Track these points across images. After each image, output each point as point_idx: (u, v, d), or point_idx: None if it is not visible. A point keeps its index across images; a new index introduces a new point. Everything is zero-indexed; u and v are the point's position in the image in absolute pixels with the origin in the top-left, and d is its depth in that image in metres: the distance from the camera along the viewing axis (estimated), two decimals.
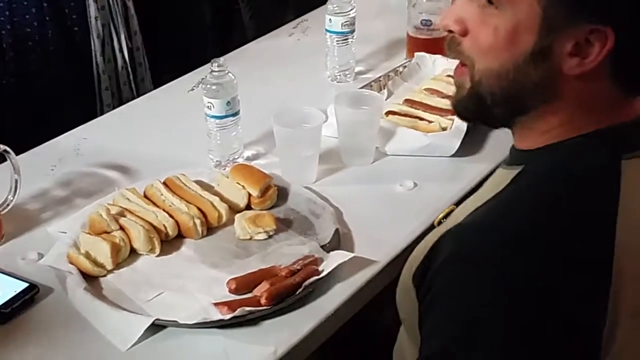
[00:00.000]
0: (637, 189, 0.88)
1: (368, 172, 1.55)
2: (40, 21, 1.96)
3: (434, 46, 1.86)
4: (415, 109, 1.68)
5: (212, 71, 1.52)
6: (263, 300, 1.19)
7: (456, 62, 0.97)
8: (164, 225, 1.35)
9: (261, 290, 1.22)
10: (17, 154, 1.43)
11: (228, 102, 1.52)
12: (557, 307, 0.81)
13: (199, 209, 1.38)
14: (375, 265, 1.30)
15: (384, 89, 1.79)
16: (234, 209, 1.42)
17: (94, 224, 1.33)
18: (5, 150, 1.40)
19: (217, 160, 1.57)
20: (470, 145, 1.58)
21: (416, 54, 1.89)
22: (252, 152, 1.61)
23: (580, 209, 0.86)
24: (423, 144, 1.57)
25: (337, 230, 1.36)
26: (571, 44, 0.86)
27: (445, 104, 1.62)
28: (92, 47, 2.02)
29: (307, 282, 1.22)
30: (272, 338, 1.16)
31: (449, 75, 1.72)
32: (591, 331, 0.82)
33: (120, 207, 1.39)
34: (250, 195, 1.43)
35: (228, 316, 1.16)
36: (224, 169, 1.55)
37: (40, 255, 1.32)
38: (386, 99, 1.73)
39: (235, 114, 1.54)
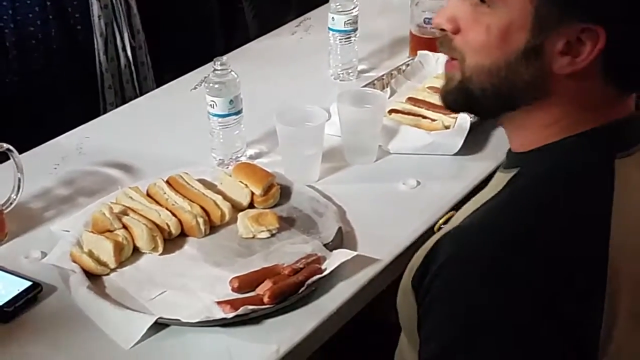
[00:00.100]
0: (630, 188, 0.88)
1: (371, 171, 1.55)
2: (44, 20, 1.96)
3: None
4: (418, 107, 1.68)
5: (215, 70, 1.52)
6: (266, 299, 1.19)
7: None
8: (167, 224, 1.35)
9: (264, 288, 1.22)
10: (20, 152, 1.43)
11: (231, 100, 1.52)
12: (554, 308, 0.81)
13: (201, 207, 1.38)
14: (378, 264, 1.30)
15: (387, 87, 1.79)
16: (236, 208, 1.42)
17: (97, 223, 1.34)
18: (8, 149, 1.41)
19: (220, 159, 1.57)
20: (473, 143, 1.58)
21: (419, 52, 1.89)
22: (255, 150, 1.61)
23: (576, 210, 0.86)
24: (426, 143, 1.57)
25: (339, 228, 1.36)
26: (562, 43, 0.86)
27: None
28: (95, 46, 2.02)
29: (309, 281, 1.22)
30: (274, 337, 1.16)
31: None
32: (588, 332, 0.82)
33: (123, 205, 1.39)
34: (253, 193, 1.43)
35: (231, 315, 1.16)
36: (227, 167, 1.55)
37: (44, 254, 1.32)
38: (389, 98, 1.72)
39: (238, 112, 1.54)
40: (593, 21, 0.84)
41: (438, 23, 0.94)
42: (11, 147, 1.41)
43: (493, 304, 0.82)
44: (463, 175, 1.51)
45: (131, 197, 1.41)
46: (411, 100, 1.71)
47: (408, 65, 1.87)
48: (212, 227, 1.39)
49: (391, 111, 1.66)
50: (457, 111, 1.01)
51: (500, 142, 1.56)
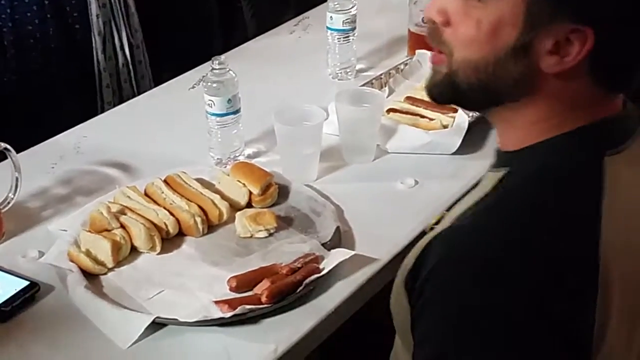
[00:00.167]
0: (620, 186, 0.88)
1: (369, 170, 1.55)
2: (42, 19, 1.96)
3: None
4: (417, 106, 1.68)
5: (213, 69, 1.52)
6: (264, 299, 1.19)
7: None
8: (165, 223, 1.35)
9: (262, 288, 1.22)
10: (17, 151, 1.43)
11: (229, 99, 1.52)
12: (547, 308, 0.81)
13: (199, 206, 1.38)
14: (376, 263, 1.30)
15: (385, 86, 1.78)
16: (234, 207, 1.42)
17: (95, 222, 1.33)
18: (5, 148, 1.40)
19: (217, 158, 1.57)
20: (471, 142, 1.58)
21: (417, 51, 1.89)
22: (253, 149, 1.61)
23: (566, 209, 0.86)
24: (424, 142, 1.57)
25: (338, 228, 1.35)
26: (551, 42, 0.86)
27: None
28: (93, 45, 2.02)
29: (307, 280, 1.22)
30: (272, 336, 1.16)
31: None
32: (581, 330, 0.82)
33: (121, 205, 1.39)
34: (251, 193, 1.43)
35: (229, 314, 1.16)
36: (225, 166, 1.55)
37: (41, 253, 1.32)
38: (387, 97, 1.72)
39: (236, 111, 1.54)
40: (583, 22, 0.84)
41: (428, 15, 0.94)
42: (8, 147, 1.41)
43: (486, 305, 0.82)
44: (461, 175, 1.51)
45: (129, 197, 1.41)
46: (409, 99, 1.71)
47: (406, 64, 1.86)
48: (210, 227, 1.38)
49: (389, 110, 1.66)
50: (443, 104, 1.01)
51: None
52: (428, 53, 1.85)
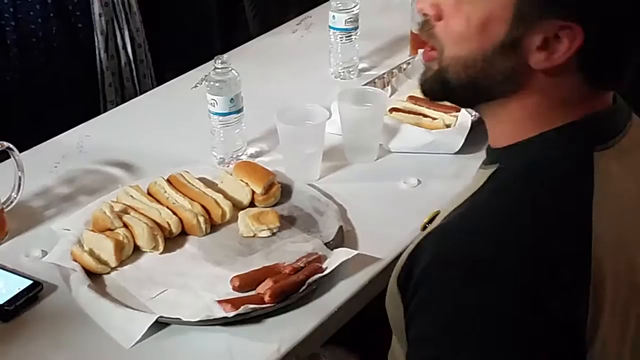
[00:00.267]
0: (610, 180, 0.88)
1: (372, 170, 1.55)
2: (45, 18, 1.96)
3: None
4: (419, 105, 1.68)
5: (216, 68, 1.52)
6: (267, 298, 1.19)
7: None
8: (168, 223, 1.35)
9: (265, 287, 1.22)
10: (20, 150, 1.43)
11: (231, 99, 1.52)
12: (541, 304, 0.81)
13: (202, 206, 1.38)
14: (379, 263, 1.30)
15: (388, 85, 1.78)
16: (237, 206, 1.42)
17: (98, 222, 1.34)
18: (8, 148, 1.41)
19: (220, 158, 1.57)
20: (474, 142, 1.58)
21: (420, 50, 1.88)
22: (255, 149, 1.61)
23: (557, 204, 0.87)
24: (427, 141, 1.57)
25: (340, 227, 1.35)
26: (540, 39, 0.86)
27: None
28: (96, 44, 2.02)
29: (310, 280, 1.22)
30: (275, 336, 1.16)
31: None
32: (575, 326, 0.82)
33: (124, 204, 1.39)
34: (253, 192, 1.43)
35: (231, 314, 1.16)
36: (228, 166, 1.55)
37: (44, 253, 1.32)
38: (390, 96, 1.72)
39: (239, 111, 1.54)
40: (572, 19, 0.85)
41: (421, 8, 0.95)
42: (11, 146, 1.41)
43: (479, 305, 0.82)
44: (464, 174, 1.51)
45: (132, 196, 1.41)
46: (412, 98, 1.70)
47: (409, 63, 1.86)
48: (213, 226, 1.38)
49: (392, 110, 1.66)
50: (434, 100, 1.02)
51: None
52: None
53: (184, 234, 1.37)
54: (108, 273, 1.28)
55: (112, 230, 1.32)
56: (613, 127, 0.93)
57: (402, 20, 2.01)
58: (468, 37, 0.89)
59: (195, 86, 1.85)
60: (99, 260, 1.28)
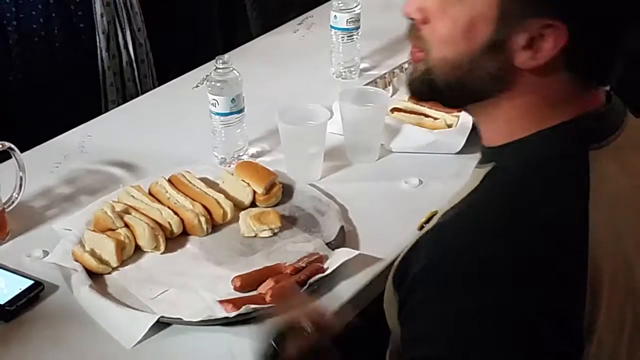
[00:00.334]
0: (606, 179, 0.89)
1: (373, 170, 1.55)
2: (46, 17, 1.96)
3: None
4: (421, 105, 1.67)
5: (217, 68, 1.52)
6: (268, 298, 1.19)
7: None
8: (169, 223, 1.35)
9: (266, 287, 1.22)
10: (22, 150, 1.43)
11: (233, 99, 1.52)
12: (538, 302, 0.81)
13: (203, 206, 1.38)
14: (380, 263, 1.29)
15: (389, 85, 1.78)
16: (238, 207, 1.42)
17: (99, 222, 1.34)
18: (10, 148, 1.41)
19: (221, 158, 1.57)
20: (475, 142, 1.55)
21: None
22: (257, 149, 1.61)
23: (553, 204, 0.87)
24: (428, 141, 1.57)
25: (342, 227, 1.35)
26: (525, 38, 0.86)
27: None
28: (97, 44, 2.02)
29: (312, 280, 1.22)
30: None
31: None
32: (571, 324, 0.82)
33: (125, 204, 1.39)
34: (255, 192, 1.43)
35: (233, 314, 1.16)
36: (229, 166, 1.55)
37: (45, 253, 1.32)
38: (391, 96, 1.72)
39: (240, 111, 1.54)
40: (555, 17, 0.85)
41: (408, 12, 0.95)
42: (13, 146, 1.41)
43: (477, 304, 0.82)
44: (465, 174, 1.48)
45: (133, 196, 1.41)
46: (413, 98, 1.70)
47: (410, 63, 1.86)
48: (214, 226, 1.38)
49: (393, 110, 1.66)
50: (421, 100, 1.02)
51: None
52: None
53: (185, 234, 1.37)
54: (109, 273, 1.28)
55: (113, 230, 1.32)
56: (608, 126, 0.93)
57: (404, 20, 2.00)
58: (454, 39, 0.90)
59: (197, 86, 1.85)
60: (100, 260, 1.28)
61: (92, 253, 1.28)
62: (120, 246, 1.29)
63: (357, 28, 1.84)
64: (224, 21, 2.52)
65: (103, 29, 2.01)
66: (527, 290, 0.82)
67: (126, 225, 1.33)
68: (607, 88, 0.96)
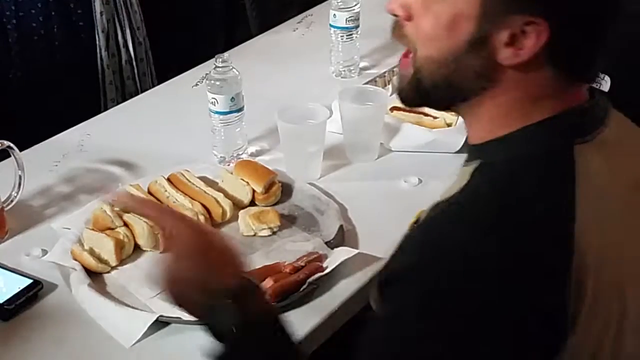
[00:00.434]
0: (592, 173, 0.89)
1: (372, 169, 1.55)
2: (46, 16, 1.96)
3: None
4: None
5: (216, 67, 1.52)
6: (267, 297, 1.19)
7: None
8: None
9: (265, 286, 1.21)
10: (21, 148, 1.43)
11: (232, 98, 1.51)
12: (521, 295, 0.82)
13: (202, 205, 1.38)
14: (380, 262, 1.29)
15: (389, 84, 1.78)
16: (238, 205, 1.42)
17: (98, 220, 1.33)
18: (9, 146, 1.41)
19: (221, 156, 1.57)
20: None
21: None
22: (256, 148, 1.61)
23: (539, 198, 0.87)
24: (428, 140, 1.57)
25: (341, 226, 1.35)
26: (507, 35, 0.87)
27: None
28: (97, 42, 2.02)
29: (311, 279, 1.22)
30: None
31: None
32: (558, 316, 0.83)
33: None
34: (254, 191, 1.43)
35: None
36: (228, 165, 1.55)
37: (44, 252, 1.32)
38: (391, 95, 1.71)
39: (240, 109, 1.54)
40: (536, 14, 0.85)
41: (391, 9, 0.96)
42: (12, 145, 1.41)
43: (459, 295, 0.82)
44: None
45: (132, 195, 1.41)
46: None
47: None
48: (213, 225, 1.38)
49: (393, 108, 1.66)
50: (412, 106, 1.02)
51: None
52: None
53: None
54: (108, 272, 1.28)
55: (112, 229, 1.32)
56: (592, 121, 0.93)
57: None
58: (437, 36, 0.90)
59: (196, 85, 1.85)
60: (99, 259, 1.28)
61: (91, 252, 1.28)
62: (119, 245, 1.29)
63: (357, 27, 1.84)
64: (224, 20, 2.52)
65: (102, 28, 2.01)
66: (515, 287, 0.82)
67: (125, 224, 1.33)
68: (590, 84, 0.97)
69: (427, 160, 1.56)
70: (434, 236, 0.87)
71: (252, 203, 1.43)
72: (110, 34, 2.04)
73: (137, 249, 1.33)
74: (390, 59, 1.94)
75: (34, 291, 1.23)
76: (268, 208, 1.41)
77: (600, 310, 0.86)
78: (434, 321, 0.83)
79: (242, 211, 1.39)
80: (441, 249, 0.85)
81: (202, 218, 1.36)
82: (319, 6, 2.23)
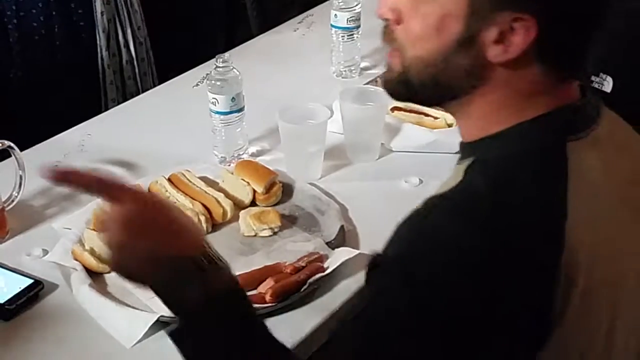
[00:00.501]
0: (584, 170, 0.89)
1: (373, 169, 1.55)
2: (47, 16, 1.96)
3: None
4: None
5: (217, 67, 1.52)
6: (268, 297, 1.19)
7: None
8: None
9: (266, 287, 1.21)
10: (22, 148, 1.43)
11: (233, 98, 1.51)
12: (518, 293, 0.82)
13: (203, 205, 1.38)
14: None
15: None
16: (238, 206, 1.41)
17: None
18: (9, 146, 1.41)
19: (221, 157, 1.57)
20: None
21: None
22: (257, 148, 1.61)
23: (532, 191, 0.87)
24: (429, 140, 1.57)
25: (342, 227, 1.35)
26: (496, 32, 0.87)
27: None
28: (98, 42, 2.02)
29: (312, 279, 1.22)
30: (276, 335, 1.15)
31: None
32: (545, 310, 0.83)
33: None
34: (255, 191, 1.43)
35: None
36: (229, 165, 1.55)
37: (45, 252, 1.32)
38: None
39: (240, 110, 1.54)
40: (524, 11, 0.86)
41: (381, 13, 0.96)
42: (12, 145, 1.41)
43: (452, 297, 0.82)
44: None
45: None
46: None
47: None
48: (214, 225, 1.38)
49: (394, 109, 1.66)
50: (398, 100, 1.03)
51: None
52: None
53: None
54: (109, 272, 1.28)
55: None
56: (585, 118, 0.94)
57: None
58: (426, 37, 0.90)
59: (197, 85, 1.85)
60: (100, 259, 1.28)
61: (92, 252, 1.28)
62: None
63: (358, 27, 1.84)
64: (224, 20, 2.52)
65: (103, 28, 2.01)
66: (503, 281, 0.82)
67: None
68: (581, 82, 0.97)
69: (428, 160, 1.56)
70: (427, 228, 0.87)
71: (253, 203, 1.43)
72: (111, 33, 2.04)
73: None
74: None
75: (35, 291, 1.23)
76: (269, 208, 1.41)
77: (592, 307, 0.86)
78: (422, 311, 0.83)
79: (242, 211, 1.39)
80: (433, 240, 0.85)
81: (202, 218, 1.36)
82: (320, 6, 2.23)
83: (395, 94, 0.99)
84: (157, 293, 0.93)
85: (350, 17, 1.82)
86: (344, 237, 1.34)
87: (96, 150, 1.62)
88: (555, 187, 0.87)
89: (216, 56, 1.53)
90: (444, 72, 0.91)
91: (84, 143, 1.65)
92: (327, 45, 1.88)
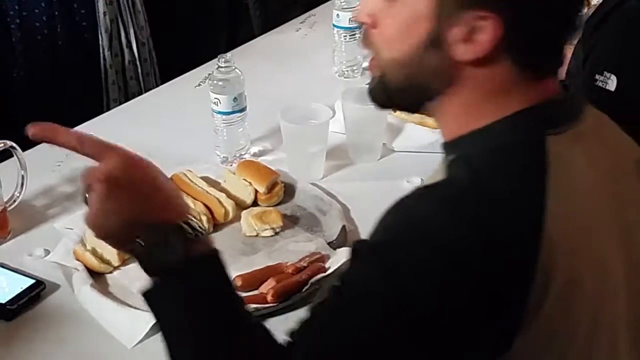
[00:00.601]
0: (564, 164, 0.89)
1: (375, 169, 1.55)
2: (49, 16, 1.96)
3: None
4: None
5: (219, 67, 1.52)
6: (269, 298, 1.19)
7: None
8: None
9: (267, 287, 1.21)
10: (24, 148, 1.43)
11: (235, 98, 1.51)
12: (494, 284, 0.82)
13: (205, 205, 1.38)
14: None
15: None
16: (240, 206, 1.41)
17: None
18: (11, 146, 1.41)
19: (223, 157, 1.57)
20: None
21: None
22: (258, 148, 1.61)
23: (511, 187, 0.87)
24: (431, 140, 1.56)
25: (344, 227, 1.35)
26: (462, 31, 0.88)
27: None
28: (100, 42, 2.03)
29: (313, 280, 1.22)
30: (278, 335, 1.15)
31: None
32: (520, 302, 0.83)
33: None
34: (256, 191, 1.43)
35: None
36: (231, 165, 1.55)
37: (47, 252, 1.32)
38: None
39: (242, 110, 1.54)
40: (489, 8, 0.86)
41: (358, 17, 0.97)
42: (14, 145, 1.41)
43: (429, 287, 0.82)
44: None
45: None
46: None
47: None
48: (216, 225, 1.38)
49: None
50: (381, 107, 1.03)
51: None
52: None
53: None
54: (110, 272, 1.28)
55: None
56: (565, 113, 0.94)
57: None
58: (398, 37, 0.91)
59: (199, 85, 1.85)
60: (101, 259, 1.28)
61: (94, 252, 1.28)
62: None
63: (360, 27, 1.84)
64: (227, 20, 2.52)
65: (106, 28, 2.01)
66: (479, 272, 0.82)
67: None
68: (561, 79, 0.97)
69: (429, 160, 1.54)
70: (412, 217, 0.87)
71: (255, 203, 1.43)
72: (114, 34, 2.04)
73: None
74: None
75: (37, 291, 1.23)
76: (270, 208, 1.41)
77: (571, 302, 0.86)
78: (403, 297, 0.83)
79: (244, 211, 1.39)
80: (419, 229, 0.85)
81: (204, 218, 1.36)
82: (322, 6, 2.22)
83: (376, 100, 1.00)
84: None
85: (353, 17, 1.82)
86: (346, 237, 1.34)
87: None
88: (533, 181, 0.87)
89: (218, 56, 1.53)
90: (417, 73, 0.92)
91: None
92: (330, 45, 1.88)
